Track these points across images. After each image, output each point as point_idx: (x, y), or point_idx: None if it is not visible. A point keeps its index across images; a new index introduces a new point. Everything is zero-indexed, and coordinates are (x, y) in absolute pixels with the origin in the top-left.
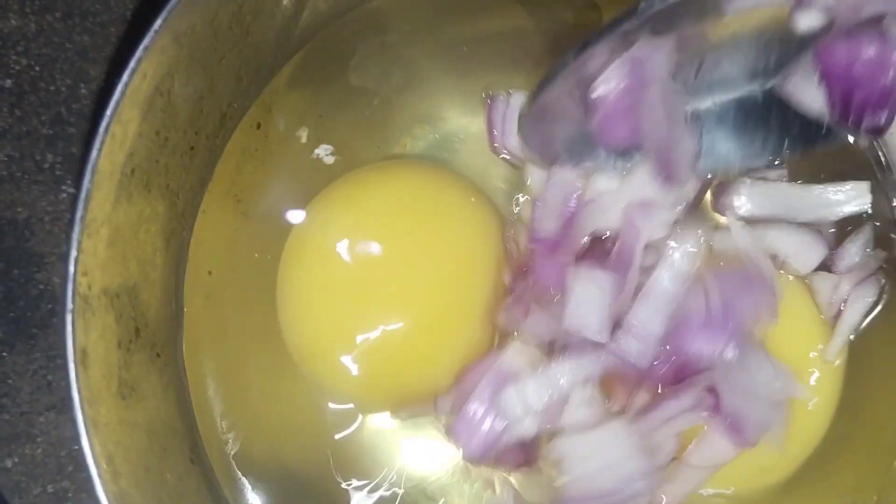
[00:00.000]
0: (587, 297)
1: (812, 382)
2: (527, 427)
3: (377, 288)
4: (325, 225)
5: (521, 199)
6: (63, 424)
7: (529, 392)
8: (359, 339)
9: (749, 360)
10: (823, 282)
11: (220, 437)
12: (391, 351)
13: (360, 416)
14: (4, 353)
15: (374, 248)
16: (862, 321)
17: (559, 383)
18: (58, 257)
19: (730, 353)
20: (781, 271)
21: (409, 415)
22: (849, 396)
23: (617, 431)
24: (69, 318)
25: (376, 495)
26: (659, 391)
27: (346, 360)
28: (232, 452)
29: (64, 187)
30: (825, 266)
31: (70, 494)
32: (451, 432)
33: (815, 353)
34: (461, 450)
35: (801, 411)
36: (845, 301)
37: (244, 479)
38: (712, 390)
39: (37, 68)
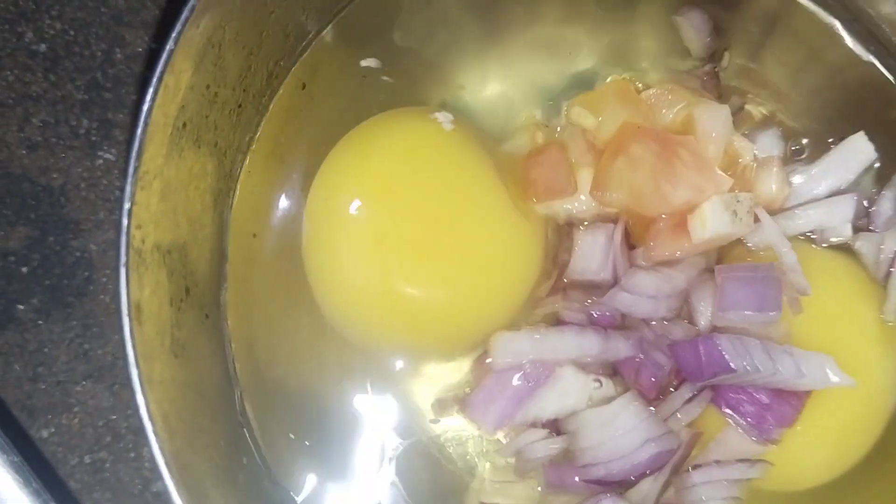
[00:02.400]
0: (589, 248)
1: (873, 350)
2: (541, 407)
3: (400, 237)
4: (343, 172)
5: None
6: (100, 394)
7: (522, 346)
8: (381, 287)
9: (766, 358)
10: (867, 243)
11: (265, 403)
12: (418, 301)
13: (399, 366)
14: (40, 322)
15: (394, 196)
16: None
17: (550, 346)
18: (94, 224)
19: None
20: (832, 240)
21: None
22: None
23: (628, 402)
24: (123, 271)
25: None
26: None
27: (370, 311)
28: (276, 415)
29: (100, 153)
30: (866, 227)
31: (108, 465)
32: (467, 406)
33: (874, 317)
34: (478, 424)
35: (866, 384)
36: (893, 259)
37: (286, 444)
38: (737, 388)
39: (71, 32)
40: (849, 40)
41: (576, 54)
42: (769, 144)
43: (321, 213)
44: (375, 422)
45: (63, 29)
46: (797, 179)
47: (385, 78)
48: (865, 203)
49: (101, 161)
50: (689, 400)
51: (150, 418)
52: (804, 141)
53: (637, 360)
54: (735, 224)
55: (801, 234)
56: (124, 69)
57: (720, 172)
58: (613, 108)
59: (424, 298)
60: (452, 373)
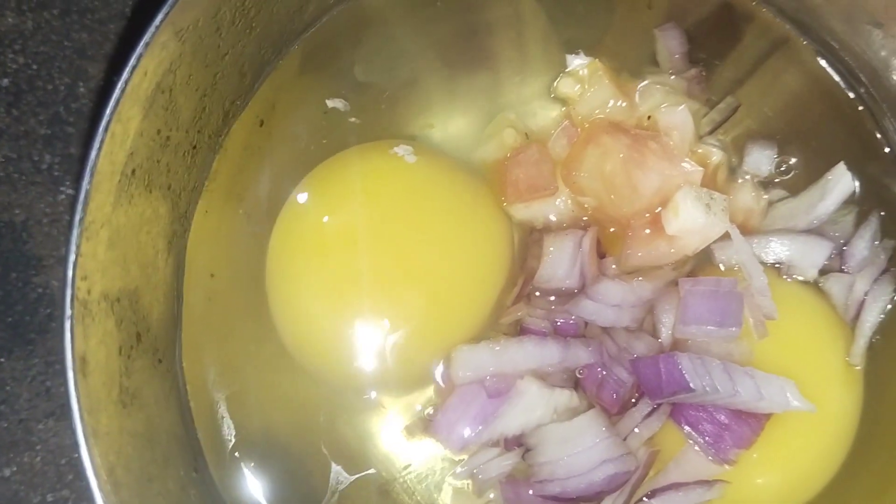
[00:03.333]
0: (557, 255)
1: (836, 389)
2: (507, 423)
3: (365, 273)
4: (307, 211)
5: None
6: (62, 432)
7: (481, 359)
8: (344, 324)
9: (726, 378)
10: (837, 284)
11: (221, 442)
12: (376, 334)
13: (362, 399)
14: (2, 359)
15: (359, 234)
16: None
17: (510, 357)
18: (56, 260)
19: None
20: (795, 276)
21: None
22: (867, 396)
23: (589, 420)
24: (68, 324)
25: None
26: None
27: (335, 346)
28: (232, 455)
29: (62, 188)
30: (837, 268)
31: (70, 503)
32: (431, 427)
33: (839, 358)
34: (444, 444)
35: (826, 422)
36: (863, 301)
37: (244, 483)
38: (697, 407)
39: (34, 67)
40: (834, 76)
41: (545, 74)
42: (757, 158)
43: (285, 253)
44: (335, 456)
45: (26, 63)
46: (779, 206)
47: (353, 119)
48: (841, 241)
49: (63, 196)
50: (649, 414)
51: (95, 473)
52: (792, 161)
53: (599, 375)
54: (709, 217)
55: (767, 263)
56: (87, 103)
57: (691, 162)
58: (599, 83)
59: (390, 331)
60: (413, 403)
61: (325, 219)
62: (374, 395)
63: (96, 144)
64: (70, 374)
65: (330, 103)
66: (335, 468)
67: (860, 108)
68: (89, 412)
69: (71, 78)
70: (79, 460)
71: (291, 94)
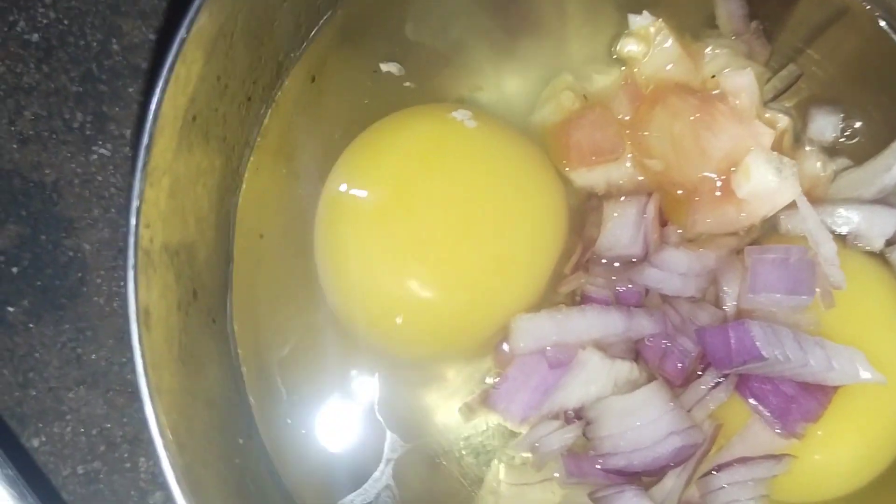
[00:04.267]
0: (620, 222)
1: None
2: (567, 394)
3: (414, 239)
4: (359, 172)
5: None
6: (94, 401)
7: (543, 328)
8: (396, 295)
9: (797, 348)
10: None
11: (273, 408)
12: (431, 305)
13: (413, 369)
14: (31, 325)
15: (414, 198)
16: None
17: (572, 326)
18: (88, 222)
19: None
20: (861, 246)
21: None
22: None
23: (652, 392)
24: (131, 273)
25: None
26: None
27: (385, 318)
28: (284, 421)
29: (95, 148)
30: None
31: (102, 476)
32: (491, 398)
33: None
34: (504, 416)
35: (894, 395)
36: None
37: (296, 450)
38: (763, 379)
39: (65, 22)
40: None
41: (599, 36)
42: (822, 124)
43: (336, 215)
44: (390, 424)
45: (57, 18)
46: (844, 176)
47: (407, 84)
48: None
49: (95, 156)
50: (715, 385)
51: (160, 432)
52: (857, 125)
53: (663, 345)
54: (780, 180)
55: (834, 232)
56: (121, 60)
57: (761, 124)
58: (665, 43)
59: (445, 301)
60: (471, 374)
61: (378, 182)
62: (429, 365)
63: (160, 86)
64: (134, 327)
65: (384, 67)
66: (390, 436)
67: None
68: (153, 367)
69: (104, 34)
70: (111, 430)
71: (343, 51)
